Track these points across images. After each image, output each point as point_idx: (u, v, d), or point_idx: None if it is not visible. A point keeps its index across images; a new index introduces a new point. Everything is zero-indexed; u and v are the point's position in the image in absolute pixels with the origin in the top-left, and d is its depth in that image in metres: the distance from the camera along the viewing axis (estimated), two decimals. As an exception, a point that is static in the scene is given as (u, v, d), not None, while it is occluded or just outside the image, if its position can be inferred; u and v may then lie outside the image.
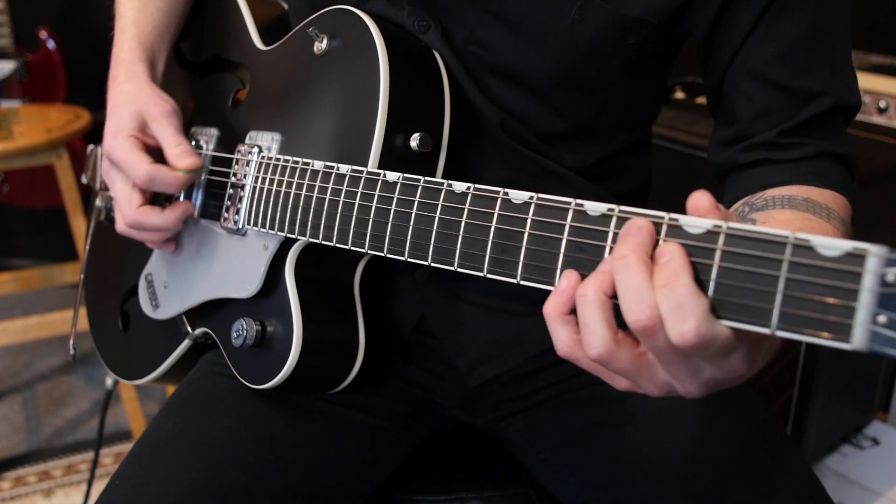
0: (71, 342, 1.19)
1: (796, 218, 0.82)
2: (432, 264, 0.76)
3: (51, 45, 3.08)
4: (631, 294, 0.59)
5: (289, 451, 0.98)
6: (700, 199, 0.60)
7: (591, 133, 1.01)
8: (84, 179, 1.34)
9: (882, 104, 2.09)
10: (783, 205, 0.84)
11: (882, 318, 0.52)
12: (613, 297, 0.61)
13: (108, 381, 1.35)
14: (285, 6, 1.15)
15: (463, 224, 0.73)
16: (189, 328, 1.07)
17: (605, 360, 0.62)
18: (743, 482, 0.91)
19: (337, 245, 0.85)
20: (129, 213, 0.99)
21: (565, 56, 0.93)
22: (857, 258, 0.53)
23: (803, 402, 1.92)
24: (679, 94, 2.07)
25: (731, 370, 0.62)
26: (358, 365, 0.98)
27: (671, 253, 0.59)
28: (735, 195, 0.92)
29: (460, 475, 1.13)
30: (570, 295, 0.64)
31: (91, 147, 1.33)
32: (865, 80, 2.17)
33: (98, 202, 1.15)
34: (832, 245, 0.54)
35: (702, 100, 1.97)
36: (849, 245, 0.53)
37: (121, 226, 1.02)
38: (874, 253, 0.52)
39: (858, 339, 0.52)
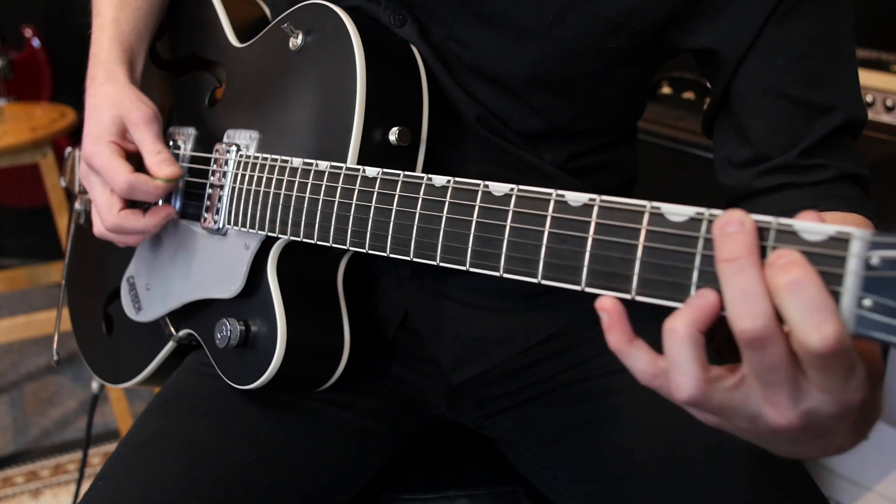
0: (54, 347, 1.17)
1: None
2: (415, 259, 0.75)
3: (36, 43, 3.07)
4: (744, 302, 0.53)
5: (274, 450, 0.97)
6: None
7: (569, 132, 1.00)
8: (63, 182, 1.32)
9: (869, 98, 2.07)
10: None
11: (867, 302, 0.51)
12: (704, 333, 0.56)
13: (94, 386, 1.33)
14: (263, 5, 1.14)
15: (444, 218, 0.72)
16: (173, 330, 1.06)
17: (698, 402, 0.57)
18: (731, 477, 0.90)
19: (318, 242, 0.84)
20: (110, 217, 0.98)
21: (544, 57, 0.91)
22: (841, 242, 0.52)
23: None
24: (665, 90, 2.07)
25: (843, 402, 0.55)
26: (343, 363, 0.97)
27: (793, 254, 0.53)
28: None
29: (448, 473, 1.12)
30: (628, 325, 0.59)
31: (69, 150, 1.32)
32: None
33: (77, 205, 1.13)
34: (816, 230, 0.53)
35: (689, 94, 1.96)
36: (832, 229, 0.52)
37: (99, 229, 1.01)
38: (857, 236, 0.51)
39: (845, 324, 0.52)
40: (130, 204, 1.00)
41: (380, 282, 1.04)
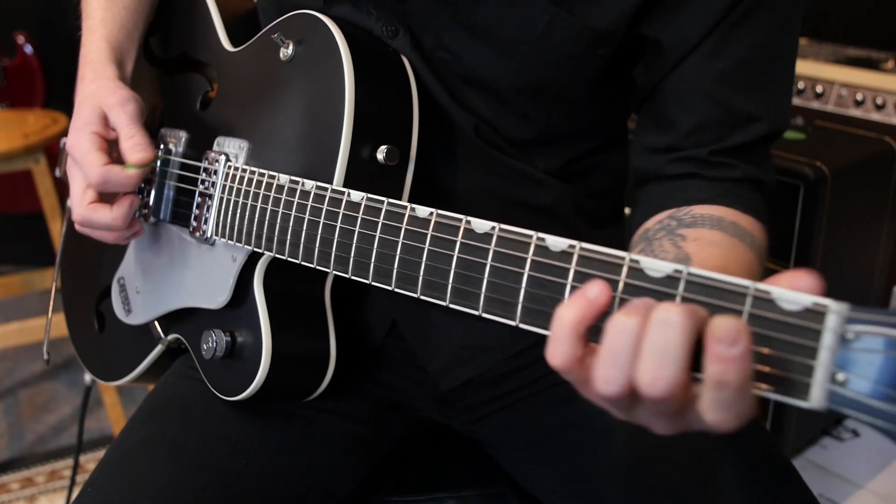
0: (45, 346, 1.17)
1: (724, 240, 0.82)
2: (395, 290, 0.75)
3: (28, 49, 3.06)
4: (657, 356, 0.54)
5: (262, 455, 0.97)
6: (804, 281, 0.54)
7: (561, 138, 0.99)
8: (58, 173, 1.32)
9: (859, 97, 2.09)
10: (712, 225, 0.83)
11: (841, 377, 0.50)
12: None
13: (87, 378, 1.34)
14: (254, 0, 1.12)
15: (426, 251, 0.72)
16: (161, 333, 1.06)
17: (666, 400, 0.55)
18: (717, 477, 0.91)
19: (302, 263, 0.84)
20: (79, 210, 0.97)
21: (533, 67, 0.91)
22: (817, 314, 0.51)
23: (783, 394, 1.91)
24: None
25: (680, 428, 0.61)
26: (329, 374, 0.97)
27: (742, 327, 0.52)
28: (657, 204, 0.91)
29: (436, 475, 1.13)
30: (599, 309, 0.58)
31: (64, 140, 1.31)
32: (842, 73, 2.17)
33: (69, 202, 1.13)
34: (792, 299, 0.52)
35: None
36: (809, 300, 0.52)
37: (76, 224, 1.01)
38: (834, 310, 0.51)
39: (816, 398, 0.51)
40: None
41: (367, 290, 1.03)
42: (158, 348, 1.07)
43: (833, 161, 1.81)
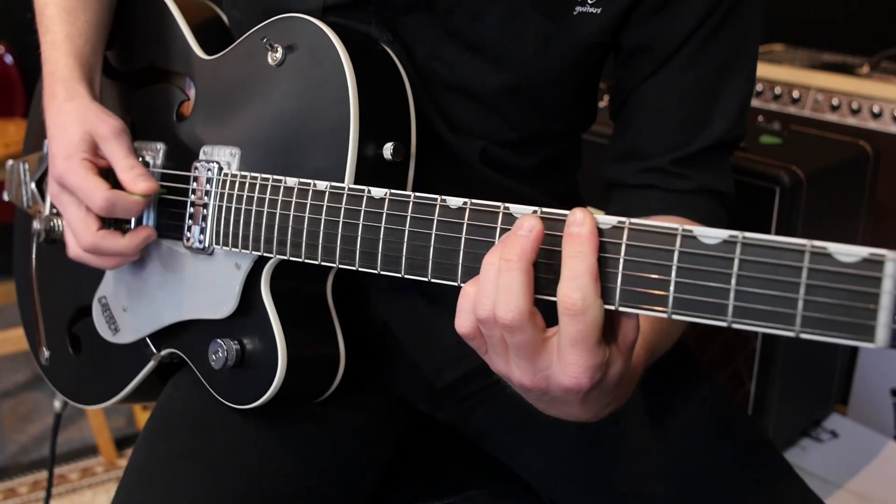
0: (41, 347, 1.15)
1: None
2: (432, 280, 0.76)
3: (8, 59, 2.96)
4: (504, 293, 0.65)
5: (287, 457, 0.97)
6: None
7: (541, 140, 1.04)
8: (6, 197, 1.27)
9: (834, 102, 2.14)
10: None
11: (903, 318, 0.56)
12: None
13: (57, 405, 1.29)
14: (219, 11, 1.11)
15: (463, 240, 0.73)
16: (154, 349, 1.04)
17: (517, 328, 0.65)
18: (711, 451, 0.97)
19: (322, 263, 0.84)
20: (87, 237, 0.95)
21: (524, 79, 0.95)
22: (876, 263, 0.56)
23: (761, 396, 1.88)
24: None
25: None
26: (341, 372, 0.98)
27: (585, 225, 0.64)
28: (624, 211, 0.96)
29: (464, 473, 1.15)
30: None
31: (10, 162, 1.26)
32: (819, 78, 2.20)
33: (35, 225, 1.09)
34: (849, 252, 0.57)
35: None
36: (865, 251, 0.57)
37: (75, 251, 0.98)
38: (891, 258, 0.56)
39: (882, 339, 0.56)
40: (106, 224, 0.97)
41: (359, 293, 1.04)
42: (150, 365, 1.05)
43: (809, 165, 1.79)
